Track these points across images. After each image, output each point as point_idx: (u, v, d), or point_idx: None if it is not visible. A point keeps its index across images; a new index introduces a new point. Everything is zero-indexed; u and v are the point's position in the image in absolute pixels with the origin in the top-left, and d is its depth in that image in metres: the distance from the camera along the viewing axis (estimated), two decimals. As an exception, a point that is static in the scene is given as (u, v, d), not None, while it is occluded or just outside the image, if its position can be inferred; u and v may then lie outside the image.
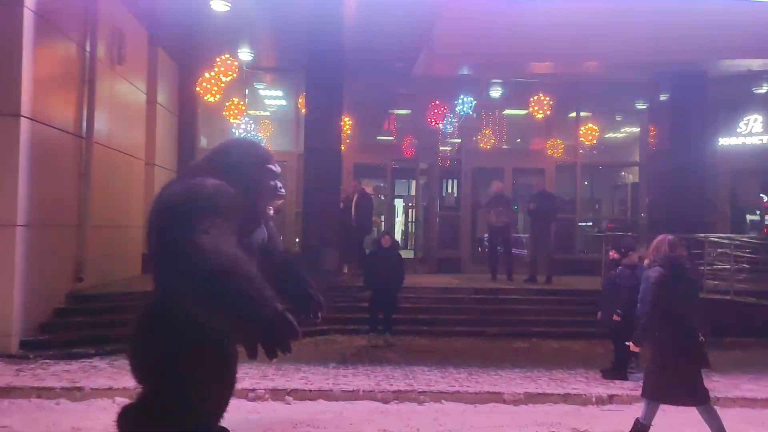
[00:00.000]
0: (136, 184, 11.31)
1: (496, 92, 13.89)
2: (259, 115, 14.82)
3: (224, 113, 12.48)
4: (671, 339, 5.08)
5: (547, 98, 12.93)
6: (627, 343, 5.58)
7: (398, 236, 15.85)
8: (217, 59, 11.50)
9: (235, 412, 5.91)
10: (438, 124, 13.29)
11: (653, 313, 5.12)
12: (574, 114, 14.38)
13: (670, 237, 5.34)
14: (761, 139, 13.63)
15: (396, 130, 15.03)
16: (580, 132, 14.04)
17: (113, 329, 8.04)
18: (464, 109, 13.06)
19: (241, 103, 12.77)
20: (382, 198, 14.93)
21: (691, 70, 11.97)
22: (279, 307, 3.39)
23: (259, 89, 14.88)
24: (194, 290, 3.40)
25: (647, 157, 13.81)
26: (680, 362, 5.05)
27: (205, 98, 11.73)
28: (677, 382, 5.07)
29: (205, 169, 4.17)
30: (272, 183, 4.35)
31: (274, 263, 4.64)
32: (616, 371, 7.17)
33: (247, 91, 13.97)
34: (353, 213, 12.08)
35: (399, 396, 6.42)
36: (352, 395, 6.39)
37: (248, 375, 6.91)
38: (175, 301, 3.66)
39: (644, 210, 13.93)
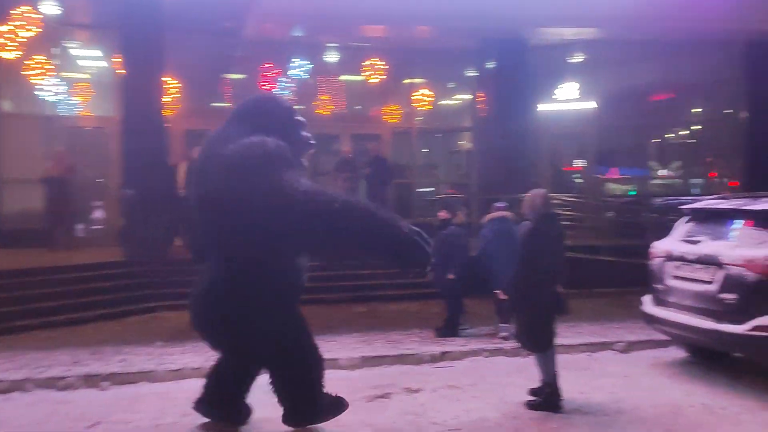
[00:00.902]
0: None
1: (332, 57, 13.62)
2: (76, 77, 13.44)
3: (24, 72, 11.11)
4: (539, 289, 5.19)
5: (381, 63, 12.92)
6: (496, 291, 5.62)
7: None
8: (15, 12, 10.17)
9: (41, 404, 5.36)
10: (271, 87, 12.83)
11: (527, 266, 5.18)
12: (409, 80, 14.51)
13: (543, 191, 5.44)
14: (577, 106, 14.66)
15: (231, 95, 14.31)
16: (415, 98, 14.23)
17: None
18: (299, 73, 12.69)
19: (46, 62, 11.42)
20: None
21: (514, 38, 12.47)
22: (408, 229, 3.71)
23: (73, 48, 13.46)
24: (324, 228, 3.60)
25: (477, 122, 14.33)
26: (540, 311, 5.21)
27: (1, 54, 10.36)
28: (529, 329, 5.26)
29: (251, 126, 4.14)
30: (306, 134, 4.49)
31: None
32: (449, 329, 7.36)
33: (57, 49, 12.56)
34: (183, 182, 11.42)
35: (230, 371, 6.09)
36: (179, 374, 5.99)
37: (57, 362, 6.27)
38: (250, 263, 3.93)
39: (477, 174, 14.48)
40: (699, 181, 15.42)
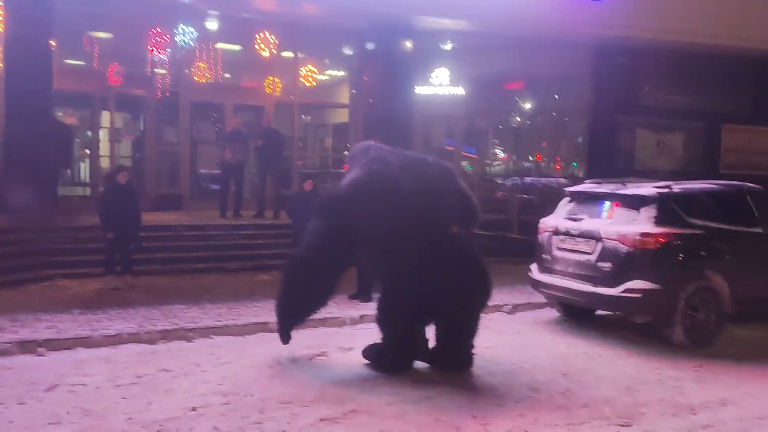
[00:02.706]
0: None
1: (216, 25, 13.40)
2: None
3: None
4: None
5: (273, 37, 13.03)
6: None
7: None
8: None
9: (-20, 371, 5.24)
10: (161, 53, 12.46)
11: None
12: (291, 54, 14.66)
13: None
14: (448, 90, 15.77)
15: (99, 55, 13.58)
16: (300, 73, 14.48)
17: None
18: (185, 39, 12.42)
19: None
20: (89, 133, 13.52)
21: (397, 23, 13.15)
22: None
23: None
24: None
25: (357, 100, 14.92)
26: None
27: None
28: None
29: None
30: None
31: None
32: (362, 294, 7.97)
33: None
34: None
35: (166, 336, 6.29)
36: (116, 339, 6.07)
37: (-21, 330, 6.05)
38: None
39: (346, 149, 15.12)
40: (528, 164, 17.46)
